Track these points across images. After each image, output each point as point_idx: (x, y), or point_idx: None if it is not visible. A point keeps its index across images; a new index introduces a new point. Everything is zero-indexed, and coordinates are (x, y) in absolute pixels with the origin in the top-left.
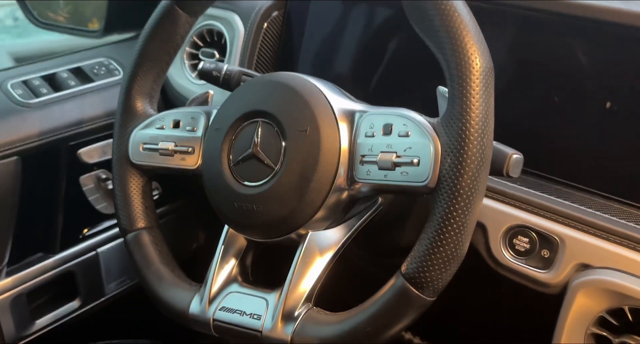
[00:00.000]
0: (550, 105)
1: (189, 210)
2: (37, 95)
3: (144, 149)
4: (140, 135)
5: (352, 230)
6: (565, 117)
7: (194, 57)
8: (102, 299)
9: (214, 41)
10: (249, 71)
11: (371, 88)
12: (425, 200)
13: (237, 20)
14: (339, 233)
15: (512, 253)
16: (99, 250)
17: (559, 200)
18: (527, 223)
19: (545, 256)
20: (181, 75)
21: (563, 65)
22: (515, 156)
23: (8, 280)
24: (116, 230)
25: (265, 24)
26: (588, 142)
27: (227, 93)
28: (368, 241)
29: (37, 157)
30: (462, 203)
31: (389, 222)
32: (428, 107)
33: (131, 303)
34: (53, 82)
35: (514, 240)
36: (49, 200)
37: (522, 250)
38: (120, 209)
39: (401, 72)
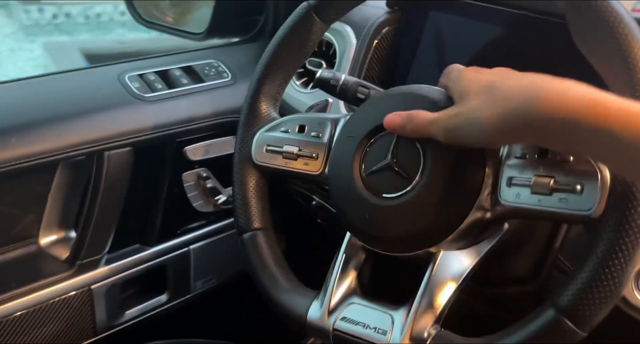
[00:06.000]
0: None
1: (272, 216)
2: (152, 89)
3: (267, 151)
4: (264, 136)
5: (483, 254)
6: None
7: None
8: (189, 295)
9: (322, 51)
10: (366, 83)
11: None
12: (545, 227)
13: (350, 33)
14: (470, 257)
15: None
16: (191, 246)
17: None
18: None
19: None
20: None
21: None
22: None
23: (106, 268)
24: (208, 228)
25: (377, 39)
26: None
27: (339, 103)
28: (479, 268)
29: (147, 150)
30: (632, 237)
31: (506, 249)
32: None
33: (214, 302)
34: (166, 78)
35: None
36: (152, 193)
37: None
38: (238, 208)
39: None
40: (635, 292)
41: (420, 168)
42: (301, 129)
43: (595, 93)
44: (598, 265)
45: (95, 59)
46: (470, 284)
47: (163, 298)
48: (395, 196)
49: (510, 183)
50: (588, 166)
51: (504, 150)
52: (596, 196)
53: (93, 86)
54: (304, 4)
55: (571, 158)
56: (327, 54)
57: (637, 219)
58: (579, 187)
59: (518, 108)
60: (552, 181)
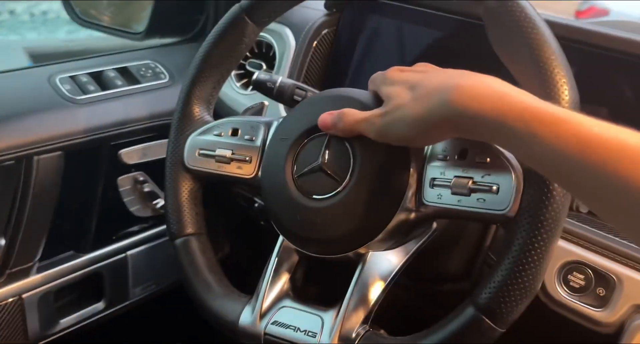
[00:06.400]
0: None
1: (216, 220)
2: (84, 91)
3: (200, 155)
4: (197, 140)
5: (410, 253)
6: None
7: (240, 67)
8: (127, 303)
9: (262, 53)
10: (303, 85)
11: None
12: (475, 226)
13: (289, 34)
14: (398, 256)
15: (566, 289)
16: (129, 253)
17: (617, 238)
18: (583, 259)
19: (601, 294)
20: (227, 84)
21: (609, 100)
22: None
23: (38, 277)
24: (147, 233)
25: (317, 40)
26: None
27: (277, 105)
28: (411, 267)
29: (79, 153)
30: (544, 235)
31: (438, 248)
32: None
33: (154, 309)
34: (100, 80)
35: (569, 276)
36: (85, 199)
37: (577, 286)
38: (170, 213)
39: None
40: (558, 287)
41: (349, 169)
42: (234, 132)
43: (502, 87)
44: (513, 262)
45: (41, 59)
46: (405, 282)
47: (100, 305)
48: (326, 198)
49: (432, 184)
50: (504, 167)
51: (427, 152)
52: (511, 196)
53: (22, 88)
54: (236, 5)
55: (489, 159)
56: (268, 56)
57: (550, 217)
58: (495, 188)
59: (436, 106)
60: (470, 182)
